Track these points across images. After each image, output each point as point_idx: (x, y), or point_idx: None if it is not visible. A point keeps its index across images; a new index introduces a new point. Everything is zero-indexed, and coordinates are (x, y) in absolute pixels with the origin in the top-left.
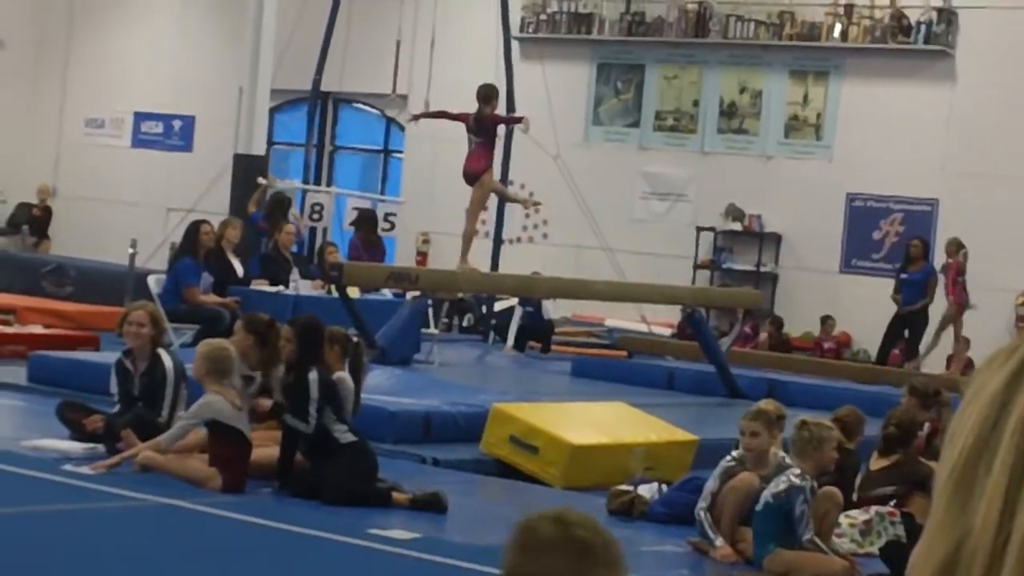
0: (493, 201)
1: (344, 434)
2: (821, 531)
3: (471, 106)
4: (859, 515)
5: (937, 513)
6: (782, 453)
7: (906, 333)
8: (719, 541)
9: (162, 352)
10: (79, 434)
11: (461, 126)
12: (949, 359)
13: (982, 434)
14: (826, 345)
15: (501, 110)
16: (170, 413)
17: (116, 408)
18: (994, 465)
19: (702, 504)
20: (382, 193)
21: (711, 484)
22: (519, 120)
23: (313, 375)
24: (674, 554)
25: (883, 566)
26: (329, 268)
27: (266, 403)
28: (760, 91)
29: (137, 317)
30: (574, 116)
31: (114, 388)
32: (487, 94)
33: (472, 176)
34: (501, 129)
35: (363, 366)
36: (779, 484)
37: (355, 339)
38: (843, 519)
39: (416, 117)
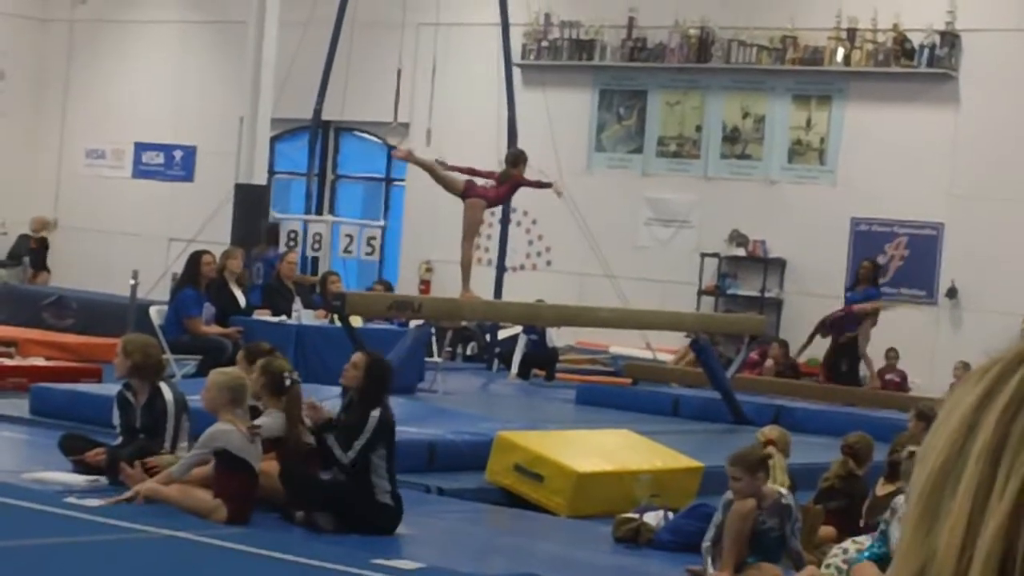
0: (496, 230)
1: (383, 493)
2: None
3: (471, 132)
4: (866, 540)
5: (905, 536)
6: (783, 490)
7: (843, 367)
8: (711, 570)
9: (163, 384)
10: (81, 467)
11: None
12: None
13: (950, 457)
14: None
15: (503, 138)
16: (172, 445)
17: (118, 440)
18: (959, 489)
19: (708, 535)
20: (385, 221)
21: (716, 516)
22: (547, 185)
23: (376, 413)
24: None
25: None
26: (332, 297)
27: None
28: (763, 116)
29: (118, 346)
30: (576, 143)
31: (116, 420)
32: (516, 158)
33: (474, 195)
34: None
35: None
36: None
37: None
38: (850, 544)
39: (440, 163)
